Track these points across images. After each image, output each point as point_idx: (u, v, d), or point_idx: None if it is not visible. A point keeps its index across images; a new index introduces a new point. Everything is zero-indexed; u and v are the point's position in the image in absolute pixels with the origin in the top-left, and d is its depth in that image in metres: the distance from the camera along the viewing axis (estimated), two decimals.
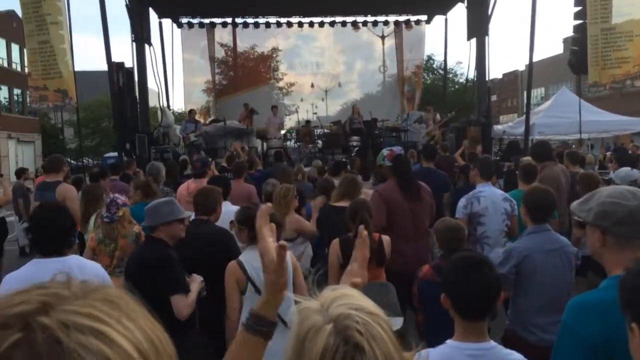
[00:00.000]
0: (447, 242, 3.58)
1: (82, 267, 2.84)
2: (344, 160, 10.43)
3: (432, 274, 3.42)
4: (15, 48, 35.06)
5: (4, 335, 0.48)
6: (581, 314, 1.77)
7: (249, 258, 3.47)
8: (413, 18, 20.49)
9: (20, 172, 10.81)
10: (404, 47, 20.99)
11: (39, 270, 2.66)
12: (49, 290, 0.53)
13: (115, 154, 29.17)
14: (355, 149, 14.54)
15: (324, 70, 21.69)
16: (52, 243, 2.81)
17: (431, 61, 38.03)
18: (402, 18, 20.55)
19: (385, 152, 5.21)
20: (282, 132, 16.84)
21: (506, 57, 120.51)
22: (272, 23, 20.14)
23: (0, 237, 7.41)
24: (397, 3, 18.55)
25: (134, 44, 15.26)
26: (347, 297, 0.95)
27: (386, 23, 20.67)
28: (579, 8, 12.24)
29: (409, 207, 4.73)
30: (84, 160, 22.17)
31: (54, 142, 40.74)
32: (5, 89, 36.32)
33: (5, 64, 36.17)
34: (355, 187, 5.05)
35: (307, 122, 16.58)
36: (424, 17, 20.59)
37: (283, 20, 20.10)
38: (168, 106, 17.83)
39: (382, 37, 21.13)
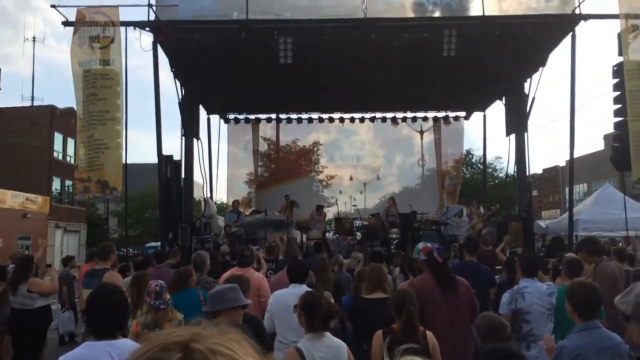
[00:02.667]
0: (487, 338, 3.48)
1: (130, 350, 2.87)
2: (380, 250, 10.36)
3: None
4: (70, 142, 37.26)
5: (168, 355, 0.65)
6: None
7: (309, 345, 3.48)
8: (452, 114, 21.02)
9: (67, 260, 11.14)
10: (442, 141, 21.39)
11: (92, 351, 2.75)
12: (193, 329, 0.70)
13: (157, 243, 29.81)
14: (395, 241, 14.47)
15: (363, 164, 22.17)
16: (108, 324, 2.88)
17: (470, 155, 38.34)
18: (440, 114, 21.11)
19: (420, 245, 5.21)
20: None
21: (546, 152, 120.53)
22: (314, 119, 20.98)
23: (44, 324, 7.52)
24: (436, 100, 19.14)
25: (183, 138, 16.06)
26: None
27: (425, 119, 21.24)
28: (618, 106, 12.37)
29: (444, 301, 4.63)
30: (127, 250, 22.66)
31: (98, 232, 41.99)
32: (57, 180, 38.21)
33: (60, 157, 38.32)
34: (384, 276, 5.04)
35: (337, 219, 16.74)
36: (462, 114, 21.10)
37: (325, 115, 20.93)
38: (211, 197, 18.35)
39: (421, 132, 21.62)
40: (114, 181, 16.14)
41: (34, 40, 59.71)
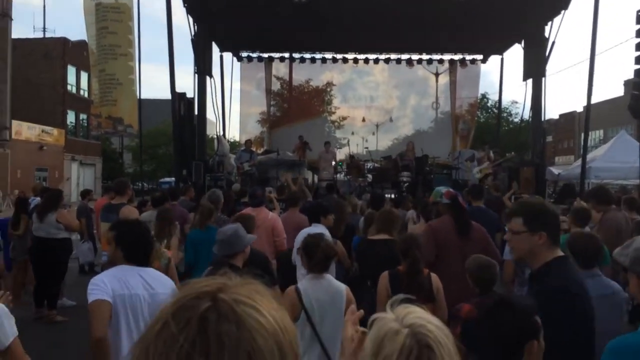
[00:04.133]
0: (479, 280, 3.62)
1: (157, 278, 3.19)
2: (383, 194, 10.43)
3: (476, 314, 3.45)
4: (84, 76, 37.09)
5: (200, 303, 0.75)
6: (619, 356, 1.80)
7: (308, 286, 3.62)
8: (469, 57, 20.58)
9: (85, 194, 11.43)
10: (458, 84, 21.06)
11: (125, 272, 3.10)
12: (220, 280, 0.81)
13: (170, 179, 30.21)
14: (405, 184, 14.59)
15: (377, 104, 21.98)
16: (137, 252, 3.20)
17: (485, 99, 37.78)
18: (457, 57, 20.67)
19: (442, 189, 5.29)
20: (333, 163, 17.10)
21: (564, 98, 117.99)
22: (328, 59, 20.66)
23: (65, 254, 7.84)
24: (453, 42, 18.69)
25: (196, 75, 15.98)
26: (418, 312, 1.17)
27: (441, 61, 20.84)
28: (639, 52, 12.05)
29: (459, 245, 4.77)
30: (142, 184, 23.06)
31: (113, 166, 42.59)
32: (72, 114, 38.40)
33: (74, 91, 38.33)
34: (391, 220, 5.13)
35: (352, 157, 16.76)
36: (479, 57, 20.65)
37: (339, 56, 20.59)
38: (224, 135, 18.45)
39: (437, 74, 21.27)
40: (128, 118, 16.27)
41: None
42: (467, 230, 4.87)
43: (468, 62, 20.70)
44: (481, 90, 32.00)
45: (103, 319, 2.93)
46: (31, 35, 40.04)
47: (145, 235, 3.31)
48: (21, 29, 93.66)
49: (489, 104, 38.75)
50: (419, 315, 1.16)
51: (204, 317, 0.74)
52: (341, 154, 19.36)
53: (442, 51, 20.34)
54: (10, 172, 29.98)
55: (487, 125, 34.88)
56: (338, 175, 16.49)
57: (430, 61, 20.60)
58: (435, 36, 17.27)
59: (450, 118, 21.41)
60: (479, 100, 26.05)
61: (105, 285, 2.99)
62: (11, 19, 30.60)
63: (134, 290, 3.04)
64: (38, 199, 9.33)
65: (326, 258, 3.70)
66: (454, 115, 21.23)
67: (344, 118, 22.37)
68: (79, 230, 9.31)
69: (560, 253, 2.51)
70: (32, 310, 7.52)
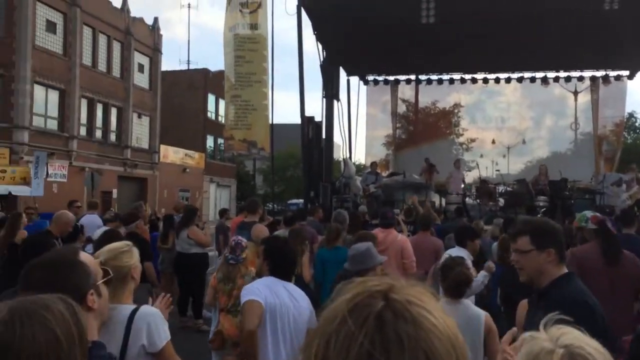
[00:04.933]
0: None
1: (298, 292, 3.39)
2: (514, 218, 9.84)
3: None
4: (222, 103, 39.89)
5: (375, 302, 0.77)
6: None
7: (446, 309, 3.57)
8: (612, 73, 19.01)
9: (223, 212, 12.21)
10: (600, 103, 19.51)
11: (272, 283, 3.33)
12: (387, 280, 0.82)
13: (299, 200, 31.18)
14: (542, 209, 13.69)
15: (508, 126, 21.06)
16: (284, 267, 3.44)
17: (633, 119, 34.53)
18: (599, 73, 19.18)
19: (589, 214, 4.91)
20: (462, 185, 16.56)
21: None
22: (455, 79, 20.25)
23: (202, 268, 8.39)
24: (595, 58, 17.37)
25: (324, 99, 16.47)
26: (575, 333, 1.11)
27: (581, 78, 19.46)
28: None
29: (606, 272, 4.36)
30: (273, 205, 24.10)
31: (246, 187, 45.07)
32: (211, 138, 41.43)
33: (213, 117, 41.39)
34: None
35: (483, 180, 16.07)
36: (625, 72, 18.98)
37: (467, 76, 20.09)
38: (350, 158, 18.73)
39: (576, 93, 19.89)
40: (262, 141, 17.16)
41: (189, 7, 63.89)
42: (618, 258, 4.44)
43: (612, 79, 19.13)
44: (628, 109, 29.30)
45: (255, 315, 3.14)
46: (177, 68, 44.11)
47: (291, 252, 3.54)
48: (169, 61, 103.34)
49: (637, 124, 35.33)
50: (576, 336, 1.10)
51: (380, 316, 0.75)
52: (469, 178, 18.71)
53: (582, 67, 18.99)
54: (159, 192, 32.97)
55: (635, 146, 31.79)
56: (467, 199, 15.91)
57: (568, 79, 19.32)
58: (574, 52, 16.19)
59: (592, 139, 19.85)
60: (625, 120, 23.85)
61: (259, 291, 3.22)
62: (161, 53, 33.98)
63: (283, 300, 3.23)
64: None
65: (456, 284, 3.61)
66: (597, 136, 19.65)
67: (473, 140, 21.69)
68: (210, 246, 9.89)
69: (566, 270, 2.49)
70: (177, 319, 8.12)
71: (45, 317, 1.12)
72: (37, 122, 23.91)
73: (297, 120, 14.81)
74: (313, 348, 0.77)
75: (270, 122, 16.36)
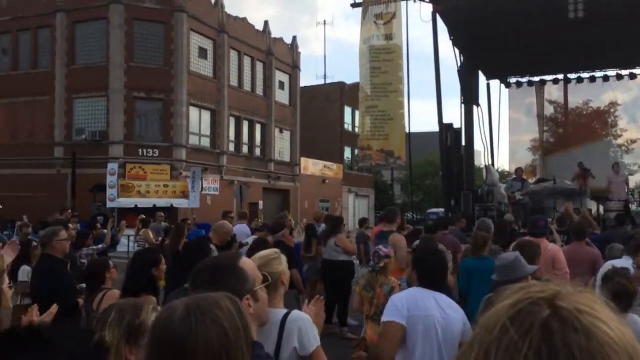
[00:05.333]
0: None
1: (449, 303, 3.28)
2: None
3: None
4: (357, 114, 40.63)
5: (539, 309, 0.70)
6: None
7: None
8: None
9: (362, 222, 12.38)
10: None
11: (420, 294, 3.24)
12: (551, 286, 0.74)
13: (438, 209, 30.46)
14: None
15: None
16: (434, 277, 3.35)
17: None
18: None
19: None
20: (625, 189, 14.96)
21: None
22: (610, 76, 18.49)
23: (347, 276, 8.51)
24: None
25: (463, 105, 15.99)
26: None
27: None
28: None
29: None
30: (413, 215, 23.86)
31: (384, 197, 45.15)
32: (348, 149, 42.22)
33: (349, 128, 42.18)
34: None
35: None
36: None
37: (624, 72, 18.25)
38: (492, 164, 17.92)
39: None
40: (398, 151, 17.13)
41: (324, 24, 65.81)
42: None
43: None
44: None
45: (392, 342, 3.09)
46: (314, 82, 45.69)
47: (441, 261, 3.43)
48: (306, 77, 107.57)
49: None
50: None
51: (546, 325, 0.68)
52: (632, 182, 16.90)
53: None
54: (300, 203, 34.32)
55: None
56: (631, 205, 14.35)
57: None
58: None
59: None
60: None
61: (401, 307, 3.16)
62: (299, 70, 35.47)
63: (429, 311, 3.15)
64: (323, 225, 10.39)
65: (614, 295, 3.25)
66: None
67: (633, 141, 19.61)
68: (356, 253, 10.02)
69: None
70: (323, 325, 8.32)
71: (215, 313, 1.21)
72: (193, 140, 26.21)
73: (434, 128, 14.54)
74: (470, 359, 0.72)
75: (407, 131, 16.26)
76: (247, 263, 1.81)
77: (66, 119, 25.21)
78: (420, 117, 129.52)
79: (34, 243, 6.67)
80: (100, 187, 21.48)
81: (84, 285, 4.72)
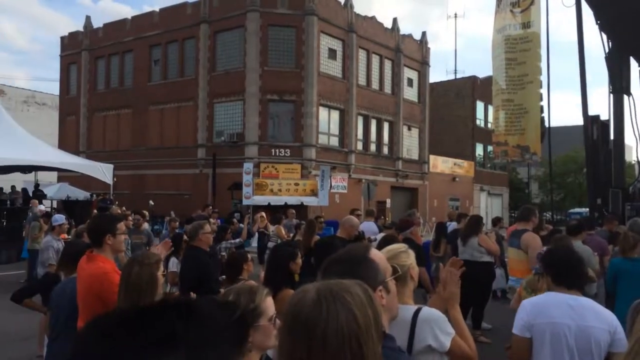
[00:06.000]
0: None
1: (591, 308, 2.96)
2: None
3: None
4: (490, 109, 38.87)
5: None
6: None
7: None
8: None
9: (496, 221, 11.81)
10: None
11: (554, 299, 3.03)
12: None
13: (581, 209, 28.14)
14: None
15: None
16: (569, 278, 3.08)
17: None
18: None
19: None
20: None
21: None
22: None
23: (488, 279, 8.13)
24: None
25: (612, 95, 14.59)
26: None
27: None
28: None
29: None
30: (552, 215, 22.31)
31: (520, 196, 42.74)
32: (480, 146, 40.58)
33: (482, 124, 40.50)
34: None
35: None
36: None
37: None
38: None
39: None
40: (534, 146, 16.08)
41: (455, 17, 64.06)
42: None
43: None
44: None
45: (520, 355, 3.00)
46: (444, 78, 44.57)
47: (576, 261, 3.16)
48: (436, 73, 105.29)
49: None
50: None
51: None
52: None
53: None
54: (429, 201, 33.69)
55: None
56: None
57: None
58: None
59: None
60: None
61: (527, 314, 3.02)
62: (429, 66, 34.78)
63: (557, 319, 2.93)
64: (454, 223, 10.08)
65: None
66: None
67: None
68: (499, 254, 9.59)
69: None
70: None
71: (346, 299, 1.21)
72: (322, 139, 26.87)
73: (575, 121, 13.47)
74: None
75: (547, 125, 15.22)
76: (377, 255, 1.80)
77: (208, 122, 27.18)
78: (558, 111, 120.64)
79: (185, 237, 7.29)
80: (237, 185, 22.83)
81: (223, 276, 5.04)
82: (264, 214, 11.35)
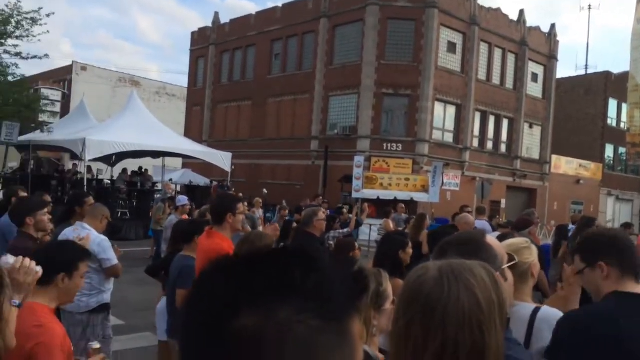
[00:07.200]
0: None
1: None
2: None
3: None
4: (624, 107, 35.72)
5: None
6: None
7: None
8: None
9: (626, 227, 10.87)
10: None
11: None
12: None
13: None
14: None
15: None
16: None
17: None
18: None
19: None
20: None
21: None
22: None
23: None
24: None
25: None
26: None
27: None
28: None
29: None
30: None
31: None
32: (610, 147, 37.40)
33: (614, 124, 37.28)
34: None
35: None
36: None
37: None
38: None
39: None
40: None
41: (589, 8, 59.72)
42: None
43: None
44: None
45: None
46: (574, 74, 41.54)
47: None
48: (564, 68, 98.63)
49: None
50: None
51: None
52: None
53: None
54: (548, 204, 31.71)
55: None
56: None
57: None
58: None
59: None
60: None
61: None
62: (557, 61, 32.61)
63: None
64: (573, 226, 9.39)
65: None
66: None
67: None
68: None
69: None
70: None
71: (469, 280, 1.15)
72: (436, 135, 26.27)
73: None
74: None
75: None
76: (494, 241, 1.72)
77: (322, 115, 27.67)
78: None
79: (294, 225, 7.51)
80: (348, 178, 23.02)
81: None
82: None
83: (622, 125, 37.25)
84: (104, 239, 4.43)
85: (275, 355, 0.58)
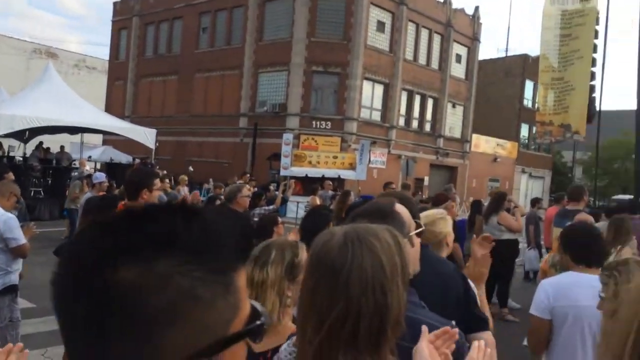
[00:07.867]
0: None
1: None
2: None
3: None
4: (540, 89, 37.70)
5: None
6: None
7: None
8: None
9: (535, 202, 11.56)
10: None
11: (577, 279, 2.94)
12: None
13: (624, 196, 27.10)
14: None
15: None
16: (588, 260, 2.98)
17: None
18: None
19: None
20: None
21: None
22: None
23: (512, 256, 8.06)
24: None
25: None
26: None
27: None
28: None
29: None
30: (594, 201, 21.63)
31: (562, 180, 41.57)
32: (525, 127, 39.46)
33: (529, 105, 39.30)
34: None
35: None
36: None
37: None
38: None
39: None
40: (577, 125, 15.48)
41: None
42: None
43: None
44: None
45: (537, 336, 2.98)
46: (494, 56, 43.29)
47: (595, 239, 3.06)
48: (486, 50, 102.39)
49: None
50: None
51: None
52: None
53: None
54: (468, 181, 33.15)
55: None
56: None
57: None
58: None
59: None
60: None
61: (545, 298, 2.95)
62: (479, 42, 33.79)
63: (579, 302, 2.83)
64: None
65: None
66: None
67: None
68: (520, 231, 9.44)
69: None
70: None
71: (373, 243, 1.19)
72: (364, 114, 26.64)
73: (628, 106, 12.85)
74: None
75: (598, 106, 14.66)
76: (402, 208, 1.78)
77: (251, 92, 27.31)
78: (611, 94, 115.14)
79: (218, 201, 7.42)
80: (276, 156, 22.97)
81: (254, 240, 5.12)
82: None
83: (536, 106, 39.41)
84: (10, 216, 4.20)
85: (155, 305, 0.58)
